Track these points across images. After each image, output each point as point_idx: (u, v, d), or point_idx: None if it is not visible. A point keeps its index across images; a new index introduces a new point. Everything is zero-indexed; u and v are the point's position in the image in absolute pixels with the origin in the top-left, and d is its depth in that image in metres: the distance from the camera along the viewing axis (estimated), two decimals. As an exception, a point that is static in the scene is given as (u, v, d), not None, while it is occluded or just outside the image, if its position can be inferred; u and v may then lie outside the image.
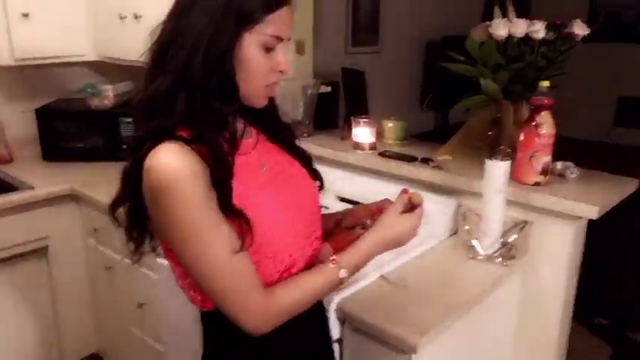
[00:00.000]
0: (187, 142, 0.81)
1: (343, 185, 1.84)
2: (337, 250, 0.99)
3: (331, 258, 0.95)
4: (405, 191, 1.04)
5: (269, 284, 0.90)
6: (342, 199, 1.84)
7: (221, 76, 0.84)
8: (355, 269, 0.97)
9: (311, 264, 0.98)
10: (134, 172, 0.83)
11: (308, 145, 1.92)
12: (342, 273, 0.93)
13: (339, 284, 0.95)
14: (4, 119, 2.29)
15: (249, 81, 0.88)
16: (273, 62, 0.88)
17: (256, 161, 0.95)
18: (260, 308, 0.86)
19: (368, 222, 1.08)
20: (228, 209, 0.83)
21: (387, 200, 1.08)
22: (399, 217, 1.00)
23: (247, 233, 0.84)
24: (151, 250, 0.96)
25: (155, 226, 0.87)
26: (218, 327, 0.96)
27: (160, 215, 0.82)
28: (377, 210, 1.07)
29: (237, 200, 0.84)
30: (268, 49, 0.87)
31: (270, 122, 1.02)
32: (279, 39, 0.88)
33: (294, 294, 0.91)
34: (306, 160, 1.07)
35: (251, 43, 0.85)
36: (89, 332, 2.29)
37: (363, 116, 1.86)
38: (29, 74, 2.37)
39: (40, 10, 2.08)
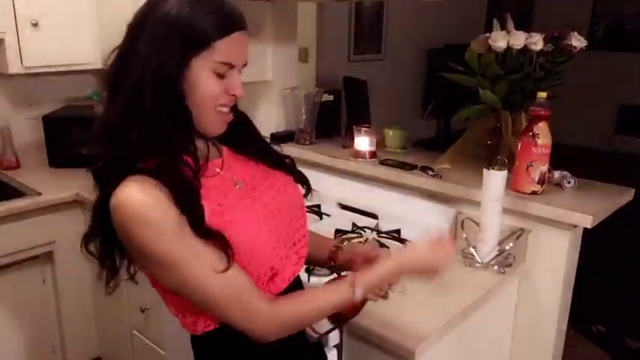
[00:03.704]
0: (151, 173, 0.81)
1: (344, 193, 1.87)
2: None
3: (348, 277, 0.95)
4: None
5: None
6: (343, 207, 1.87)
7: (171, 101, 0.83)
8: (370, 291, 0.96)
9: (297, 271, 0.98)
10: (103, 206, 0.84)
11: (310, 153, 1.96)
12: (357, 292, 0.93)
13: (352, 302, 0.95)
14: (11, 126, 2.33)
15: (200, 105, 0.86)
16: (225, 86, 0.87)
17: (229, 180, 0.94)
18: (266, 315, 0.87)
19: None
20: (202, 231, 0.82)
21: (386, 251, 1.08)
22: (425, 251, 1.00)
23: (228, 250, 0.83)
24: (129, 278, 0.95)
25: (135, 259, 0.88)
26: (208, 351, 0.97)
27: (137, 250, 0.82)
28: (374, 260, 1.03)
29: (211, 220, 0.84)
30: (219, 75, 0.86)
31: (240, 137, 1.00)
32: (230, 65, 0.86)
33: (303, 305, 0.92)
34: (287, 166, 1.06)
35: (200, 69, 0.84)
36: (92, 336, 2.31)
37: (364, 125, 1.88)
38: (37, 82, 2.41)
39: (49, 19, 2.12)
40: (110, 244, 0.88)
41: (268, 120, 2.14)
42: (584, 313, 1.80)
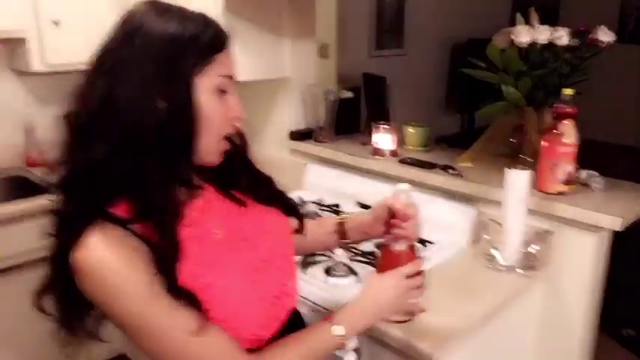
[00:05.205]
0: (124, 222, 0.72)
1: (363, 192, 1.84)
2: (380, 271, 0.95)
3: (325, 316, 0.88)
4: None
5: None
6: (362, 206, 1.84)
7: (179, 134, 0.74)
8: (357, 326, 0.89)
9: (286, 320, 0.89)
10: (62, 257, 0.74)
11: (329, 150, 1.94)
12: (336, 330, 0.85)
13: (339, 343, 0.87)
14: (37, 123, 2.37)
15: (207, 134, 0.78)
16: (225, 110, 0.80)
17: (208, 227, 0.84)
18: None
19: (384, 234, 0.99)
20: (176, 292, 0.73)
21: (386, 201, 0.97)
22: (381, 281, 0.92)
23: (203, 311, 0.75)
24: (89, 337, 0.84)
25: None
26: None
27: (106, 312, 0.75)
28: (383, 216, 0.97)
29: (187, 282, 0.75)
30: (222, 92, 0.79)
31: (230, 169, 0.89)
32: (231, 79, 0.80)
33: (287, 357, 0.83)
34: (278, 199, 0.97)
35: (203, 89, 0.76)
36: (117, 332, 2.33)
37: (383, 122, 1.85)
38: (62, 80, 2.44)
39: (70, 18, 2.14)
40: (70, 299, 0.77)
41: (286, 117, 2.12)
42: (614, 316, 1.74)
